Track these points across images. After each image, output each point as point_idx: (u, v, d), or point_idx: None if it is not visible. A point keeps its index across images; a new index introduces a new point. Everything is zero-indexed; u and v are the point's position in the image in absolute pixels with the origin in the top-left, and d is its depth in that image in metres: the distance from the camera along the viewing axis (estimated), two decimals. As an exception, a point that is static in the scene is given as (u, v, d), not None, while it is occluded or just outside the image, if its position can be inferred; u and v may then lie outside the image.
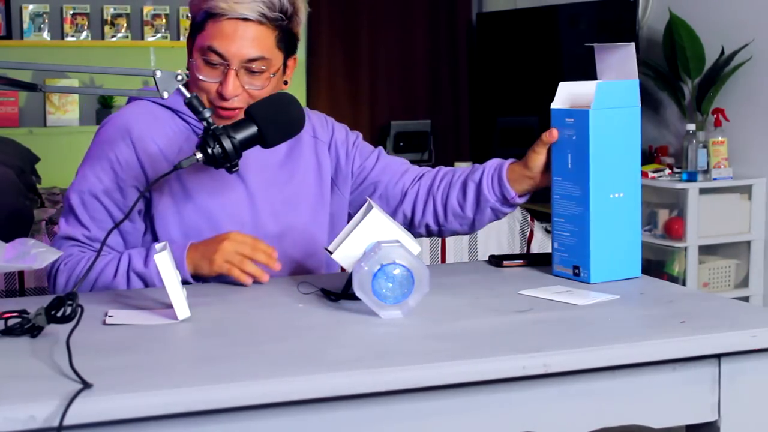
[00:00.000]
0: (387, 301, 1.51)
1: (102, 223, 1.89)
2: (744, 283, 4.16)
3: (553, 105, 1.78)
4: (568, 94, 1.78)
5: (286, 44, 1.90)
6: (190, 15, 1.92)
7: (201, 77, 1.86)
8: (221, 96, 1.85)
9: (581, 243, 1.75)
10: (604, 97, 1.73)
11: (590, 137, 1.71)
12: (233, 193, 1.92)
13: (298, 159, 2.02)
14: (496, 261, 1.93)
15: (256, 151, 1.76)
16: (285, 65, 1.93)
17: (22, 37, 5.21)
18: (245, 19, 1.83)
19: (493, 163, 1.95)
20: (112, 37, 5.36)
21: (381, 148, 2.17)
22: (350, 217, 2.07)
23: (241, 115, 1.76)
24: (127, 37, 5.38)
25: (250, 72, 1.85)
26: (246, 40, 1.83)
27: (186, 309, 1.51)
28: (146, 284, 1.81)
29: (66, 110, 5.32)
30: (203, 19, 1.85)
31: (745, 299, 3.99)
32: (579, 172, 1.74)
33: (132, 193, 1.88)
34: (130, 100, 2.00)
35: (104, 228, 1.88)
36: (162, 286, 1.52)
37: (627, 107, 1.77)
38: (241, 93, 1.85)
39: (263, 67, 1.86)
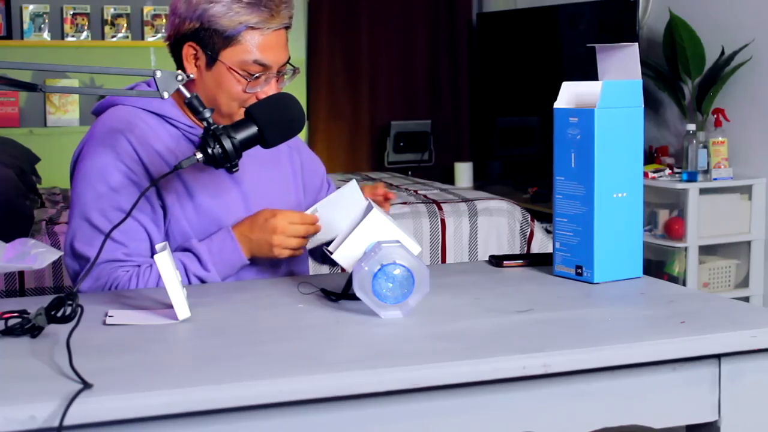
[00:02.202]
0: (387, 301, 1.51)
1: (134, 233, 1.86)
2: (744, 283, 4.16)
3: (557, 104, 1.78)
4: (570, 93, 1.78)
5: None
6: (206, 25, 1.83)
7: (248, 90, 1.85)
8: None
9: (585, 243, 1.75)
10: (609, 97, 1.73)
11: (595, 136, 1.71)
12: (230, 199, 1.93)
13: (279, 167, 2.06)
14: (496, 261, 1.93)
15: (248, 154, 1.76)
16: None
17: (22, 37, 5.20)
18: (279, 28, 1.86)
19: None
20: (112, 37, 5.36)
21: (332, 183, 2.23)
22: None
23: None
24: (127, 37, 5.38)
25: (279, 74, 1.90)
26: (283, 46, 1.89)
27: (186, 309, 1.51)
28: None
29: (66, 110, 5.32)
30: (240, 32, 1.83)
31: (745, 299, 3.99)
32: (583, 172, 1.74)
33: (154, 196, 1.87)
34: (108, 103, 1.96)
35: (139, 238, 1.86)
36: (163, 286, 1.52)
37: (631, 107, 1.77)
38: None
39: (289, 67, 1.91)
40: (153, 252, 1.88)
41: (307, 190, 2.13)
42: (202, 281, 1.85)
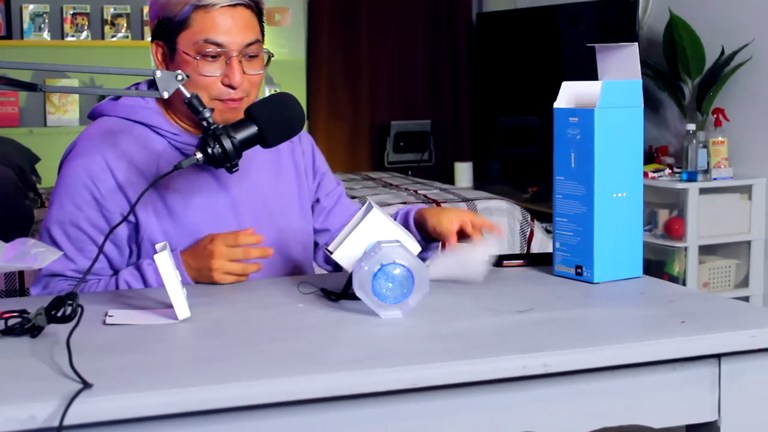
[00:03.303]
0: (387, 301, 1.51)
1: (89, 253, 1.84)
2: (744, 283, 4.16)
3: (557, 104, 1.78)
4: (570, 93, 1.79)
5: (262, 28, 1.92)
6: (161, 17, 1.86)
7: (204, 73, 1.82)
8: (230, 86, 1.84)
9: (585, 242, 1.74)
10: (609, 97, 1.73)
11: (595, 136, 1.71)
12: (217, 206, 1.90)
13: (279, 166, 2.02)
14: (496, 261, 1.93)
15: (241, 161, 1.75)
16: None
17: (22, 37, 5.21)
18: (235, 6, 1.83)
19: (402, 210, 2.05)
20: (112, 37, 5.36)
21: (342, 188, 2.17)
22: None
23: (243, 109, 1.75)
24: (127, 37, 5.38)
25: (248, 57, 1.86)
26: (241, 26, 1.84)
27: (186, 309, 1.51)
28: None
29: (66, 110, 5.32)
30: (188, 14, 1.82)
31: (745, 299, 3.99)
32: (583, 172, 1.74)
33: (117, 219, 1.83)
34: (97, 113, 1.95)
35: (91, 258, 1.82)
36: (162, 286, 1.52)
37: (630, 107, 1.77)
38: (245, 80, 1.85)
39: (258, 51, 1.88)
40: (108, 270, 1.87)
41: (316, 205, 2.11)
42: None
